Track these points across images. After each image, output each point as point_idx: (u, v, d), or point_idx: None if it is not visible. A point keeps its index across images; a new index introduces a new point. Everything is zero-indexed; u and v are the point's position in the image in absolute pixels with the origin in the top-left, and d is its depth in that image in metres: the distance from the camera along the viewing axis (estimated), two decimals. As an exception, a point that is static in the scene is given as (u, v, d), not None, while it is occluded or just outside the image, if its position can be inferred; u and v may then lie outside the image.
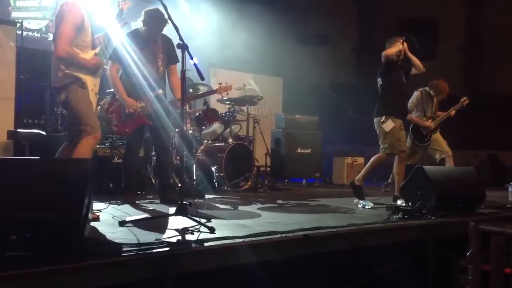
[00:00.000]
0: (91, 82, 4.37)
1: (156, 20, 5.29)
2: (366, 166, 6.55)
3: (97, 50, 4.45)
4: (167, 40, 5.55)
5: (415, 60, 6.43)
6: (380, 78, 6.46)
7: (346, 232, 4.00)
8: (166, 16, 4.40)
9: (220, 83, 6.35)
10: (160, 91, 5.43)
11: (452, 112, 7.68)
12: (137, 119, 5.45)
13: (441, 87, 7.54)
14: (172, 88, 5.60)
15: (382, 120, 6.25)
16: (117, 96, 5.52)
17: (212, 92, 6.49)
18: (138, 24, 5.58)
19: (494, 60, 13.13)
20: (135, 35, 5.44)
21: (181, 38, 4.10)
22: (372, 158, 6.54)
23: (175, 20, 4.25)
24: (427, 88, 7.63)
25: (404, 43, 6.32)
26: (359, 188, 6.35)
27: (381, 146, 6.32)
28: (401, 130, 6.33)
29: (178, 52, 4.16)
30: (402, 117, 6.40)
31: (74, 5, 4.23)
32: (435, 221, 4.66)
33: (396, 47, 6.28)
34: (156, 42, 5.50)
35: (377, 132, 6.34)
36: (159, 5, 4.49)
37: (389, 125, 6.22)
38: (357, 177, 6.46)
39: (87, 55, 4.35)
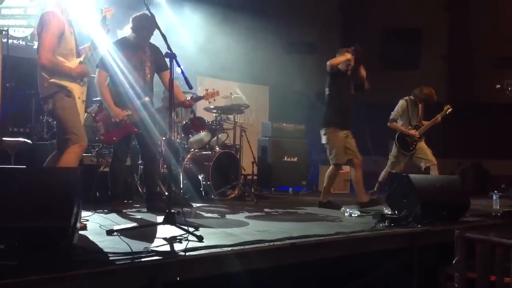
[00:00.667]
0: (78, 90, 4.37)
1: (145, 24, 5.28)
2: (325, 182, 6.67)
3: (82, 58, 4.46)
4: (155, 49, 5.55)
5: (362, 72, 6.50)
6: (327, 88, 6.54)
7: (333, 240, 4.02)
8: (154, 22, 4.41)
9: (207, 89, 6.33)
10: (147, 99, 5.43)
11: (439, 118, 7.72)
12: (124, 128, 5.45)
13: (427, 94, 7.60)
14: (175, 95, 5.58)
15: (323, 133, 6.45)
16: (104, 105, 5.51)
17: (199, 98, 6.48)
18: (124, 32, 5.58)
19: (478, 69, 13.26)
20: (122, 43, 5.45)
21: (169, 47, 4.13)
22: (327, 173, 6.67)
23: (162, 29, 4.28)
24: (412, 97, 7.68)
25: (353, 54, 6.35)
26: (328, 203, 6.49)
27: (329, 158, 6.50)
28: (348, 138, 6.44)
29: (167, 61, 4.17)
30: (347, 127, 6.48)
31: (55, 14, 4.26)
32: (420, 229, 4.70)
33: (342, 57, 6.34)
34: (144, 50, 5.50)
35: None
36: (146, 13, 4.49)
37: (324, 139, 6.43)
38: (321, 197, 6.61)
39: (72, 63, 4.36)
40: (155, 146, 5.68)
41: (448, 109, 7.77)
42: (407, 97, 7.71)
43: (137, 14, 5.39)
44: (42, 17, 4.28)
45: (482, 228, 5.01)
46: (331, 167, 6.56)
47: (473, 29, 13.44)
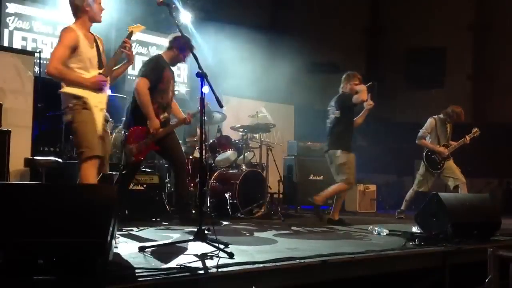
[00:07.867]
0: (94, 99, 4.36)
1: (185, 46, 5.35)
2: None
3: (102, 70, 4.48)
4: (172, 71, 5.69)
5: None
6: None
7: (364, 258, 4.00)
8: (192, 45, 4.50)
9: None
10: (166, 114, 5.51)
11: (467, 138, 7.68)
12: (150, 145, 5.39)
13: (457, 112, 7.56)
14: (174, 112, 5.73)
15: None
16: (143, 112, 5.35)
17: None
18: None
19: (503, 89, 13.17)
20: (160, 59, 5.57)
21: (200, 67, 4.19)
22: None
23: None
24: (441, 116, 7.64)
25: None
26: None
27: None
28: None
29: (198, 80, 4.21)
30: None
31: (70, 29, 4.38)
32: (451, 248, 4.63)
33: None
34: (171, 69, 5.63)
35: None
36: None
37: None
38: None
39: (90, 74, 4.39)
40: (182, 157, 5.68)
41: (476, 132, 7.74)
42: (436, 116, 7.67)
43: (178, 34, 5.18)
44: (60, 33, 4.41)
45: (514, 247, 4.94)
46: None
47: (498, 48, 13.37)
